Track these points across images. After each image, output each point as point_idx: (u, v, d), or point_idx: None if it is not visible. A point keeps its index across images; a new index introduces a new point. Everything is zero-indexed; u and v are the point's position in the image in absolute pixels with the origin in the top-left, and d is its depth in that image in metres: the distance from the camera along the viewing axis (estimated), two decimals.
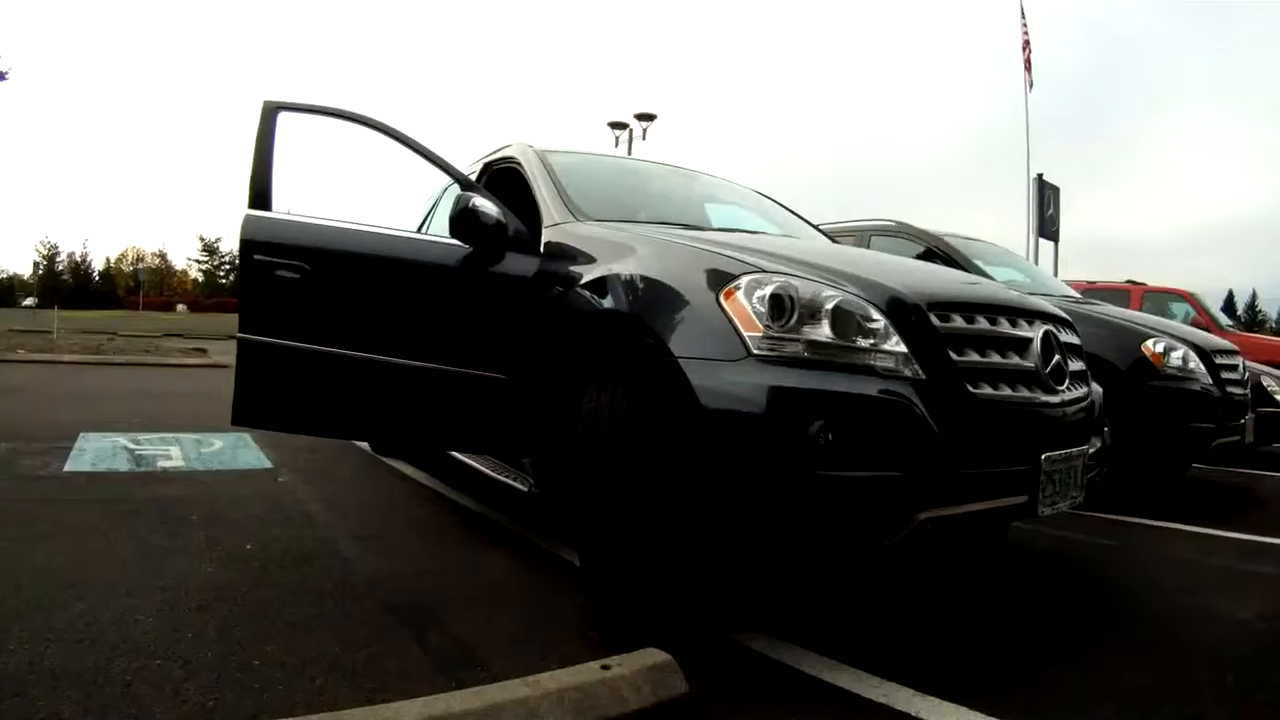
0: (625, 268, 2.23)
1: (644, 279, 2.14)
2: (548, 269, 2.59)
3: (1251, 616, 2.38)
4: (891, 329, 1.84)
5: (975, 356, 1.95)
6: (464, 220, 2.58)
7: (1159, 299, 8.88)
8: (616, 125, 20.56)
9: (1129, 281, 9.23)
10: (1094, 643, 2.15)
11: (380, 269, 2.67)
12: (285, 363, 2.59)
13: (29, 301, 59.69)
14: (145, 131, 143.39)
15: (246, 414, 2.66)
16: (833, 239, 3.59)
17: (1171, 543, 3.31)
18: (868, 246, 5.49)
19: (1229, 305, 63.24)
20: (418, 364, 2.57)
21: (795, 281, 1.86)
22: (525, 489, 2.68)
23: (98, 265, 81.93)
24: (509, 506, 3.36)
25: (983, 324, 2.02)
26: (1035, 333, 2.12)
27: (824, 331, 1.81)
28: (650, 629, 1.92)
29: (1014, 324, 2.10)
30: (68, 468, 3.79)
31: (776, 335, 1.80)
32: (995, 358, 2.00)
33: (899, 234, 5.47)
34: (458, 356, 2.57)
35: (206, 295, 74.38)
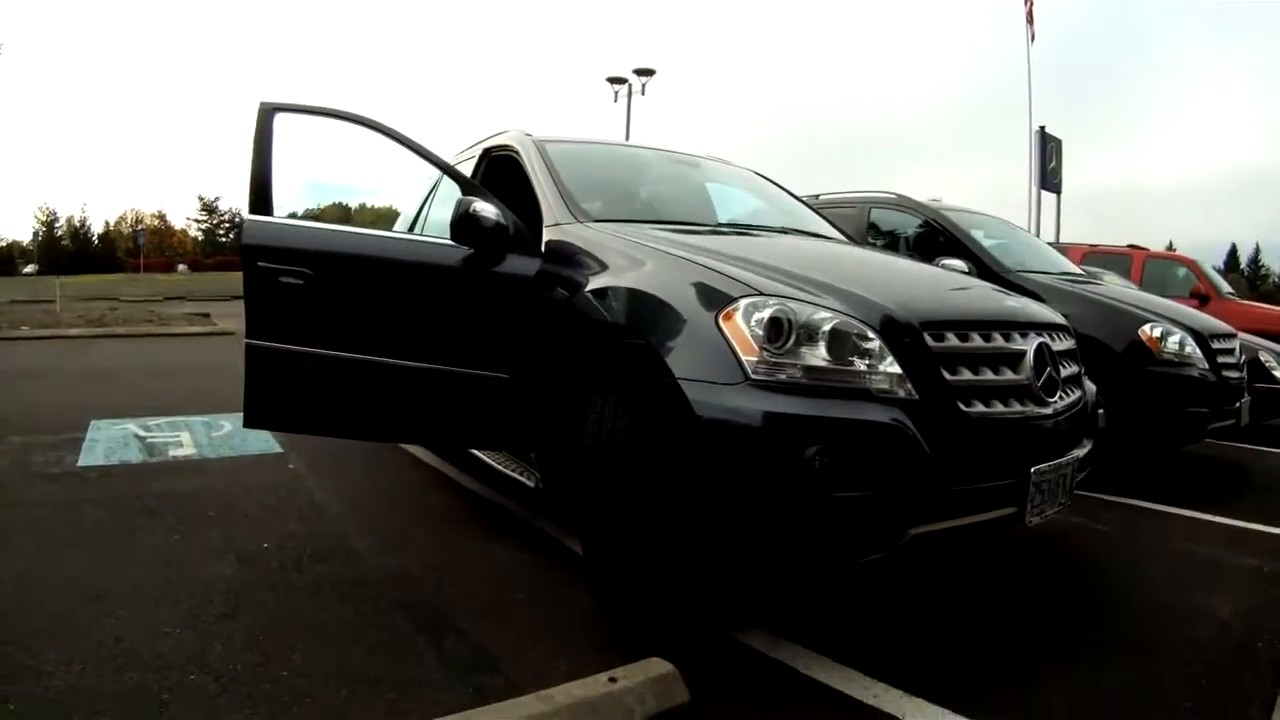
0: (626, 281, 2.27)
1: (645, 295, 2.18)
2: (549, 270, 2.63)
3: (1234, 613, 2.43)
4: (886, 350, 1.89)
5: (968, 374, 2.00)
6: (465, 224, 2.61)
7: (1160, 265, 8.89)
8: (615, 80, 20.62)
9: (1131, 246, 9.21)
10: (1081, 643, 2.21)
11: (383, 272, 2.70)
12: (293, 367, 2.63)
13: (29, 269, 59.23)
14: (141, 93, 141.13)
15: (258, 417, 2.73)
16: (833, 224, 3.59)
17: (1164, 528, 3.36)
18: (867, 219, 5.54)
19: (1232, 259, 62.43)
20: (423, 365, 2.62)
21: (792, 304, 1.90)
22: (532, 484, 2.75)
23: (97, 229, 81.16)
24: (517, 493, 3.39)
25: (976, 341, 2.06)
26: (1029, 345, 2.16)
27: (820, 354, 1.86)
28: (652, 629, 2.02)
29: (1007, 338, 2.15)
30: (81, 462, 3.85)
31: (773, 359, 1.84)
32: (988, 374, 2.05)
33: (898, 206, 5.49)
34: (461, 357, 2.62)
35: (206, 255, 73.78)
